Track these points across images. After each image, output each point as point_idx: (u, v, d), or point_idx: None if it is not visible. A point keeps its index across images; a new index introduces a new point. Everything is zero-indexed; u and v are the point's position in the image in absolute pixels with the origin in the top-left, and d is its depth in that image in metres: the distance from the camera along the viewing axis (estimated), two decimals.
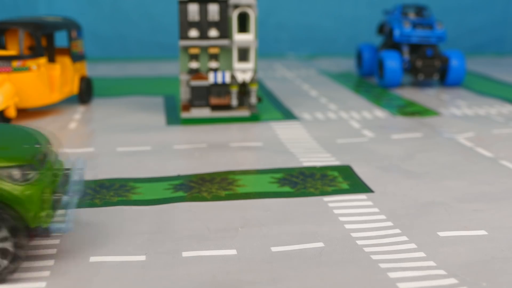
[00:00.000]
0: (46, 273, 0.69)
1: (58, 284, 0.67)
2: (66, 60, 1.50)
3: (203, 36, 1.38)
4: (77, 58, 1.55)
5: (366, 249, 0.75)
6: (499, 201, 0.91)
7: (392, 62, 1.77)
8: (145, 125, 1.36)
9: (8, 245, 0.65)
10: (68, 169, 0.77)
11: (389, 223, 0.83)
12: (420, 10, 1.89)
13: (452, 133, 1.30)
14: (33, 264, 0.71)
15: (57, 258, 0.72)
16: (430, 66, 1.78)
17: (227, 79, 1.39)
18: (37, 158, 0.68)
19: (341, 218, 0.85)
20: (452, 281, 0.67)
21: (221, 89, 1.40)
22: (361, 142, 1.23)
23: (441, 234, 0.79)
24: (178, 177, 1.01)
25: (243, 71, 1.39)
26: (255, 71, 1.41)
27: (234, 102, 1.41)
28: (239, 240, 0.78)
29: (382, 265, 0.71)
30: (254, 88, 1.42)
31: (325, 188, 0.96)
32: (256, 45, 1.39)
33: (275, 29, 2.55)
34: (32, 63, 1.36)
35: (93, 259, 0.72)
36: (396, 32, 1.81)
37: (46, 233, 0.68)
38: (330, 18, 2.59)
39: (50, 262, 0.71)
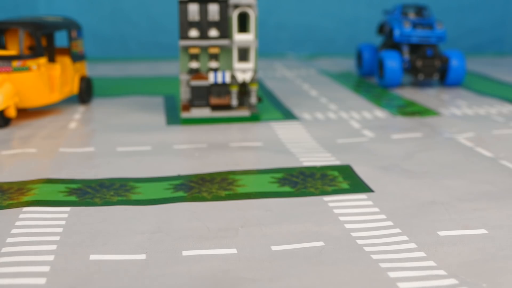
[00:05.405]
0: (46, 269, 0.69)
1: (58, 281, 0.67)
2: (66, 60, 1.50)
3: (203, 36, 1.38)
4: (77, 58, 1.55)
5: (366, 249, 0.75)
6: (499, 200, 0.91)
7: (392, 62, 1.77)
8: (145, 125, 1.36)
9: None
10: None
11: (389, 223, 0.83)
12: (420, 10, 1.90)
13: (452, 133, 1.30)
14: (33, 259, 0.71)
15: (57, 255, 0.72)
16: (430, 66, 1.79)
17: (227, 79, 1.39)
18: None
19: (341, 218, 0.85)
20: (452, 281, 0.67)
21: (221, 89, 1.40)
22: (361, 142, 1.23)
23: (441, 233, 0.79)
24: (178, 177, 1.01)
25: (243, 71, 1.39)
26: (255, 71, 1.41)
27: (234, 102, 1.41)
28: (239, 239, 0.78)
29: (382, 265, 0.71)
30: (254, 88, 1.42)
31: (325, 188, 0.96)
32: (256, 45, 1.39)
33: (275, 29, 2.56)
34: (32, 63, 1.36)
35: (93, 257, 0.72)
36: (396, 32, 1.81)
37: None
38: (330, 18, 2.59)
39: (50, 257, 0.71)
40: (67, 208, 0.87)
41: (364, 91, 1.77)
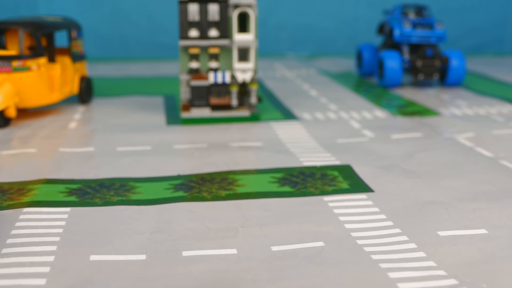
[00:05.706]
0: (46, 269, 0.69)
1: (58, 281, 0.67)
2: (66, 60, 1.50)
3: (203, 36, 1.38)
4: (77, 58, 1.55)
5: (366, 249, 0.75)
6: (499, 200, 0.91)
7: (392, 62, 1.77)
8: (145, 125, 1.36)
9: None
10: None
11: (389, 223, 0.83)
12: (420, 10, 1.89)
13: (452, 133, 1.30)
14: (33, 259, 0.71)
15: (57, 255, 0.72)
16: (430, 66, 1.78)
17: (227, 79, 1.39)
18: None
19: (341, 218, 0.85)
20: (452, 281, 0.67)
21: (221, 89, 1.40)
22: (361, 142, 1.23)
23: (441, 233, 0.79)
24: (178, 177, 1.01)
25: (243, 71, 1.39)
26: (255, 71, 1.41)
27: (234, 102, 1.41)
28: (239, 239, 0.78)
29: (382, 265, 0.71)
30: (254, 88, 1.42)
31: (325, 188, 0.96)
32: (256, 45, 1.39)
33: (275, 29, 2.56)
34: (32, 63, 1.36)
35: (93, 257, 0.72)
36: (396, 32, 1.81)
37: None
38: (330, 18, 2.59)
39: (50, 258, 0.71)
40: (67, 209, 0.87)
41: (364, 91, 1.77)
